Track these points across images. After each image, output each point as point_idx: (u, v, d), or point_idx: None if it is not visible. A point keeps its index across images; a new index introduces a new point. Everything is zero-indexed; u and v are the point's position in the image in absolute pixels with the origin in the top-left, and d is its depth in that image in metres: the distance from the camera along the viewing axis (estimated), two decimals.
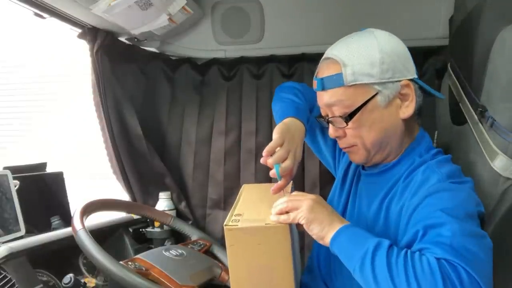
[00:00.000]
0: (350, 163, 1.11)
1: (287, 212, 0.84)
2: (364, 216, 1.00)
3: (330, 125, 0.97)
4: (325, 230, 0.81)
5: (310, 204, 0.83)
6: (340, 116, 0.93)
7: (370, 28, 0.97)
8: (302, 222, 0.82)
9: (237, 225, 0.83)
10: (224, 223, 0.84)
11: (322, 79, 0.94)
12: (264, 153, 0.94)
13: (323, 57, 0.99)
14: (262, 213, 0.88)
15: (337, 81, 0.91)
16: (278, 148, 0.94)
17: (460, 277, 0.68)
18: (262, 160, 0.95)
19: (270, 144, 0.94)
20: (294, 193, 0.91)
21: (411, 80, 0.93)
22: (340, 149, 1.11)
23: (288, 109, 1.08)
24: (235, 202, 0.97)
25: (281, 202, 0.85)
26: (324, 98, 0.96)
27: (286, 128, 0.99)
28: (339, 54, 0.93)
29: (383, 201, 0.95)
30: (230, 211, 0.91)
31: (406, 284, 0.69)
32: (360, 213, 1.02)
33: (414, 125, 0.99)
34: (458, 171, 0.91)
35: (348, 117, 0.92)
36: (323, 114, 1.01)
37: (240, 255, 0.85)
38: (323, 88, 0.95)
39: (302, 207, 0.83)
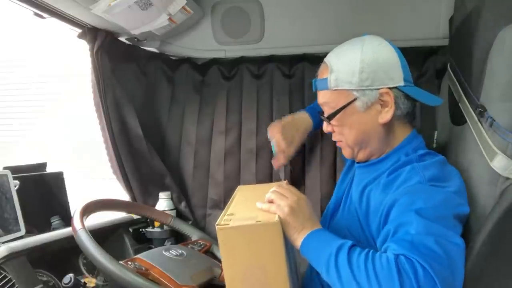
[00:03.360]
0: (350, 164, 1.20)
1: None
2: (353, 201, 1.07)
3: (324, 122, 1.11)
4: (295, 235, 0.88)
5: (290, 206, 0.89)
6: (324, 116, 1.07)
7: (365, 36, 1.05)
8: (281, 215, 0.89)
9: (229, 224, 0.84)
10: (216, 223, 0.85)
11: (315, 81, 1.08)
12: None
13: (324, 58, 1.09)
14: (255, 212, 0.89)
15: (324, 84, 1.04)
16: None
17: (415, 271, 0.73)
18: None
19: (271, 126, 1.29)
20: (285, 184, 1.00)
21: (395, 88, 1.00)
22: None
23: (308, 107, 1.34)
24: (228, 203, 0.98)
25: (270, 191, 0.93)
26: (318, 98, 1.10)
27: (290, 118, 1.29)
28: (331, 60, 1.04)
29: (365, 188, 1.02)
30: (223, 211, 0.92)
31: (366, 279, 0.75)
32: (351, 199, 1.09)
33: (399, 128, 1.05)
34: (444, 175, 0.93)
35: (329, 117, 1.04)
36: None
37: (233, 254, 0.86)
38: (316, 89, 1.08)
39: (283, 207, 0.89)
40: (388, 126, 1.03)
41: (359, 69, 0.98)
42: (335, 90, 1.02)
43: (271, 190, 0.93)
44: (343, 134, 1.06)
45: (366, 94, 1.00)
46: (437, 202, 0.85)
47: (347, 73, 1.00)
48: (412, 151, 1.02)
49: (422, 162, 0.96)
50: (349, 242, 0.83)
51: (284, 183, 1.07)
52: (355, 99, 1.00)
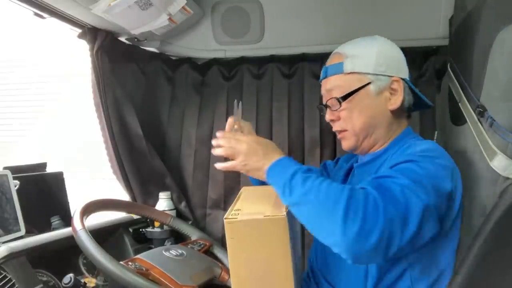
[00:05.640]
0: (344, 172, 1.18)
1: (225, 159, 0.95)
2: None
3: (327, 109, 1.09)
4: (260, 172, 0.91)
5: (245, 151, 0.93)
6: (336, 98, 1.05)
7: (375, 35, 1.10)
8: (242, 171, 0.93)
9: (237, 218, 0.86)
10: (224, 217, 0.87)
11: (327, 67, 1.10)
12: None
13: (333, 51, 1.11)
14: (261, 208, 0.91)
15: (338, 68, 1.06)
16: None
17: (366, 201, 0.76)
18: None
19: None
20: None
21: (402, 79, 1.06)
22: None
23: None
24: (234, 200, 1.00)
25: (220, 137, 0.97)
26: (326, 84, 1.09)
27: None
28: (344, 49, 1.09)
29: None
30: (230, 207, 0.93)
31: (316, 197, 0.79)
32: None
33: (403, 121, 1.10)
34: (437, 150, 0.95)
35: (343, 98, 1.04)
36: (323, 101, 1.12)
37: (240, 248, 0.87)
38: (326, 75, 1.09)
39: (239, 156, 0.93)
40: (395, 115, 1.07)
41: (376, 55, 1.04)
42: (350, 73, 1.05)
43: (221, 136, 0.96)
44: (351, 119, 1.05)
45: (380, 79, 1.04)
46: (421, 171, 0.86)
47: (364, 58, 1.04)
48: (408, 139, 1.06)
49: (418, 141, 1.02)
50: (306, 167, 0.87)
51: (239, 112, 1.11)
52: (369, 83, 1.04)
